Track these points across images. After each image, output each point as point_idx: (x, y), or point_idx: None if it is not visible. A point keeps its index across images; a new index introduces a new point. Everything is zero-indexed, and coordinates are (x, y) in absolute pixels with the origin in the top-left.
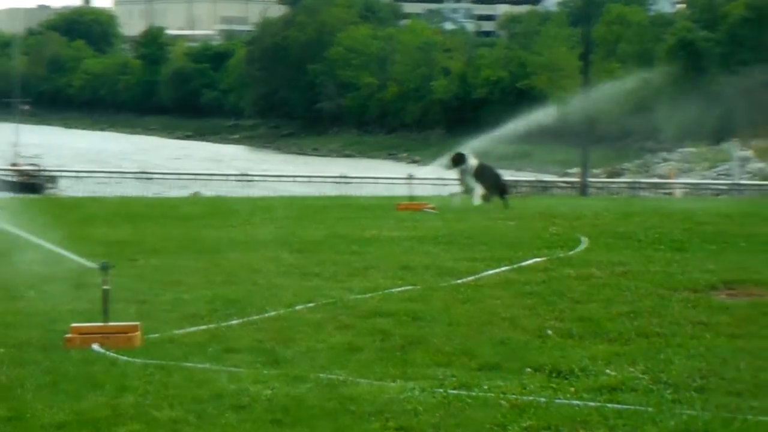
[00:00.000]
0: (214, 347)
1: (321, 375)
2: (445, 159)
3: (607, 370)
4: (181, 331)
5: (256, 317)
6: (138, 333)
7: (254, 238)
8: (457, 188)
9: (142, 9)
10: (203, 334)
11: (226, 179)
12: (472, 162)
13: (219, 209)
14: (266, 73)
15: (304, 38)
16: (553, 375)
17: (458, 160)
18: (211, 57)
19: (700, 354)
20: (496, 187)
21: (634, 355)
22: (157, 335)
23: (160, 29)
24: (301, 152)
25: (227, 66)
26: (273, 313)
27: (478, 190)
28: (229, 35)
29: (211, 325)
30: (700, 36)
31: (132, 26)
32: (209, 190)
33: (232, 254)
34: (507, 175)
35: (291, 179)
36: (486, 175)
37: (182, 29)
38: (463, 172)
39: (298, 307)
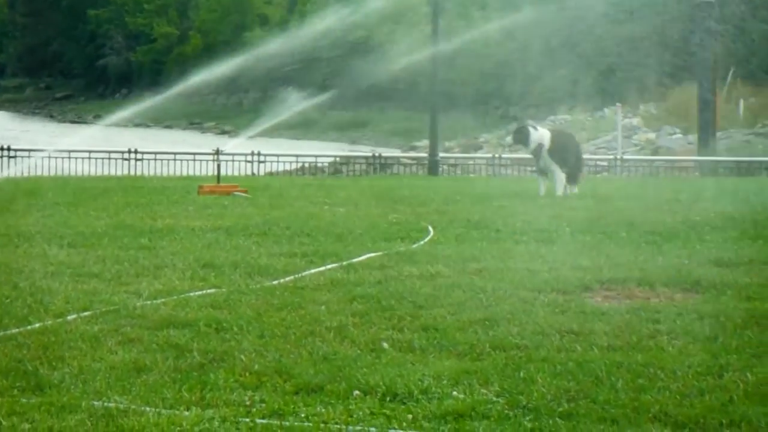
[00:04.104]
0: None
1: (96, 403)
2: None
3: (454, 392)
4: None
5: (15, 330)
6: None
7: (15, 230)
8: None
9: None
10: None
11: None
12: (542, 134)
13: None
14: (34, 20)
15: None
16: (388, 399)
17: (519, 136)
18: None
19: (568, 371)
20: (575, 165)
21: (488, 373)
22: None
23: None
24: (80, 120)
25: None
26: (37, 325)
27: (559, 173)
28: None
29: None
30: None
31: None
32: None
33: None
34: (339, 150)
35: (66, 154)
36: (568, 151)
37: None
38: (535, 152)
39: (70, 317)
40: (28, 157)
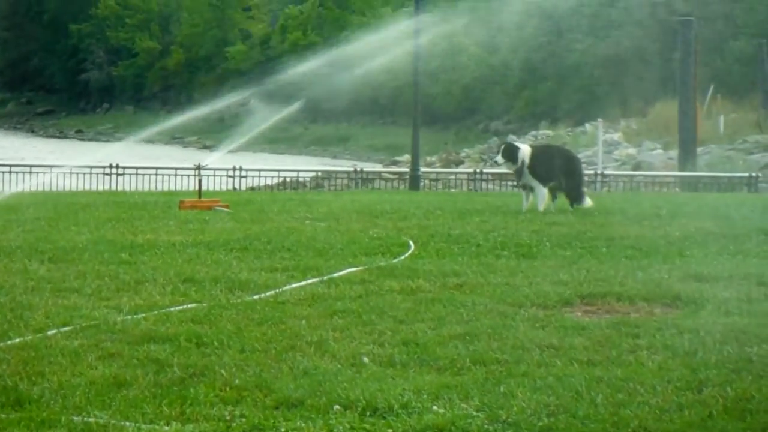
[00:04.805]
0: None
1: (76, 418)
2: (498, 153)
3: (435, 407)
4: None
5: None
6: None
7: None
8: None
9: None
10: None
11: None
12: (523, 151)
13: None
14: (15, 34)
15: None
16: (368, 413)
17: (509, 154)
18: None
19: (548, 386)
20: (570, 181)
21: (468, 388)
22: None
23: None
24: (62, 135)
25: None
26: (17, 341)
27: (540, 189)
28: None
29: None
30: None
31: None
32: None
33: None
34: (321, 164)
35: (47, 170)
36: (551, 166)
37: None
38: (519, 170)
39: (50, 332)
40: (9, 172)
